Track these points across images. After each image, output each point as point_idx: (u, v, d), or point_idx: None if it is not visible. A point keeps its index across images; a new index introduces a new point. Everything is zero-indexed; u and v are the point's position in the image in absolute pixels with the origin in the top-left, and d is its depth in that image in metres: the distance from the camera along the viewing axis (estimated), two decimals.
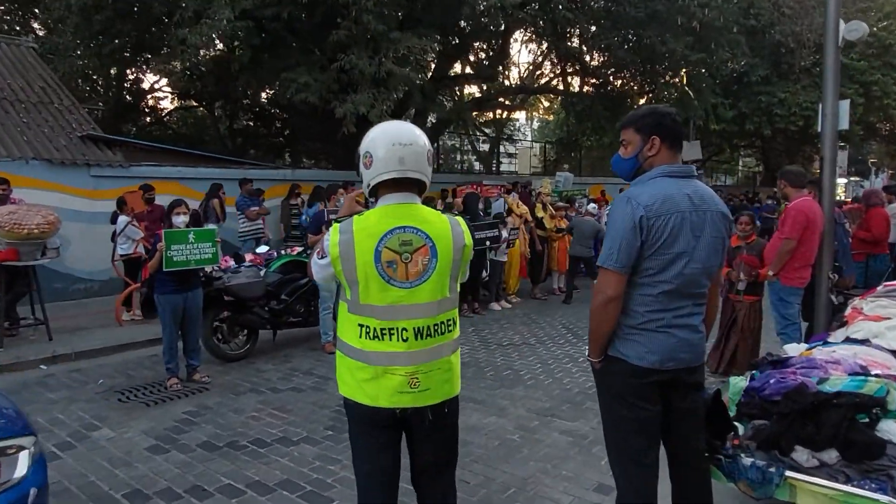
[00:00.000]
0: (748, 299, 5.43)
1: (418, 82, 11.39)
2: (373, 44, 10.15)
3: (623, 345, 2.23)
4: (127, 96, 18.86)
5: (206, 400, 5.16)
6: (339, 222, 2.16)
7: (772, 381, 2.55)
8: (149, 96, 20.05)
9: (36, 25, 16.17)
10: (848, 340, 3.28)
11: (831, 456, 2.31)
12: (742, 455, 2.35)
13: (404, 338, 2.09)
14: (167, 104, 21.34)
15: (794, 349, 3.49)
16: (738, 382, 2.87)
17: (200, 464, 3.93)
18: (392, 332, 2.09)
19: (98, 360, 6.43)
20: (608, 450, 2.35)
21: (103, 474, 3.78)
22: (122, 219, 7.68)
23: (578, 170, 24.31)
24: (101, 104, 17.83)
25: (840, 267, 5.64)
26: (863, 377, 2.43)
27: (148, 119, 20.13)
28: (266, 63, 11.67)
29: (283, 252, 7.43)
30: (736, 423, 2.51)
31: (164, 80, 18.22)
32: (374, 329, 2.09)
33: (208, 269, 5.99)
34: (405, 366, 2.09)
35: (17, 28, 15.59)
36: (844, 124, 4.93)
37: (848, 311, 4.19)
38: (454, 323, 2.23)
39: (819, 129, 5.12)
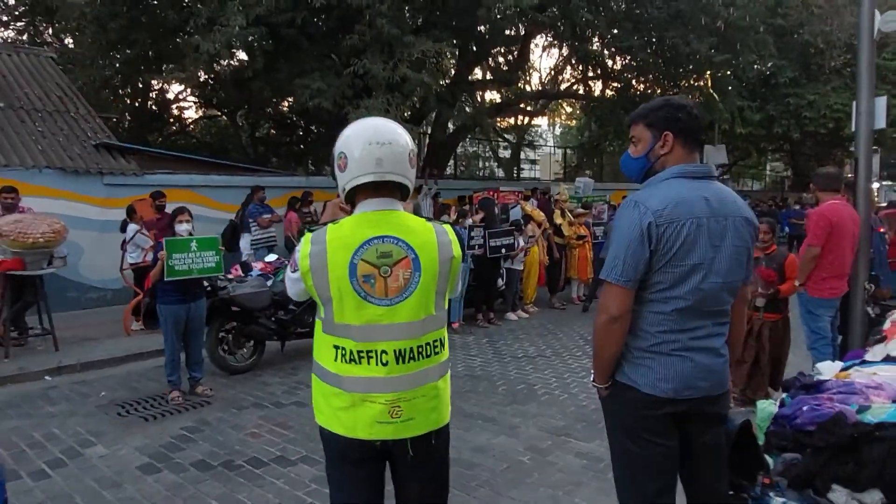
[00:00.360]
0: (769, 318, 4.79)
1: (434, 88, 11.20)
2: (387, 48, 10.00)
3: (633, 370, 1.96)
4: (152, 106, 19.07)
5: (207, 415, 4.98)
6: (312, 231, 1.93)
7: (805, 409, 2.25)
8: (173, 106, 20.22)
9: (49, 37, 16.35)
10: (889, 359, 2.96)
11: (874, 498, 2.01)
12: (772, 496, 2.06)
13: (384, 361, 1.86)
14: (191, 114, 21.57)
15: (827, 368, 3.17)
16: (767, 407, 2.58)
17: (192, 485, 3.74)
18: (370, 354, 1.86)
19: (104, 371, 6.32)
20: (617, 489, 2.08)
21: (90, 497, 3.60)
22: (132, 227, 7.60)
23: (600, 175, 23.92)
24: (126, 114, 18.09)
25: (877, 276, 5.27)
26: None
27: (173, 128, 20.27)
28: (281, 69, 11.60)
29: None
30: (766, 457, 2.22)
31: (188, 90, 18.42)
32: (351, 351, 1.86)
33: (213, 278, 5.85)
34: (385, 393, 1.86)
35: (37, 39, 15.78)
36: (881, 123, 4.57)
37: (887, 325, 3.84)
38: (441, 344, 1.99)
39: (853, 129, 4.77)
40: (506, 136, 26.47)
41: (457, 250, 1.99)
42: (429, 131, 17.74)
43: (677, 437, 1.97)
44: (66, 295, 8.75)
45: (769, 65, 18.47)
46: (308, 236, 1.91)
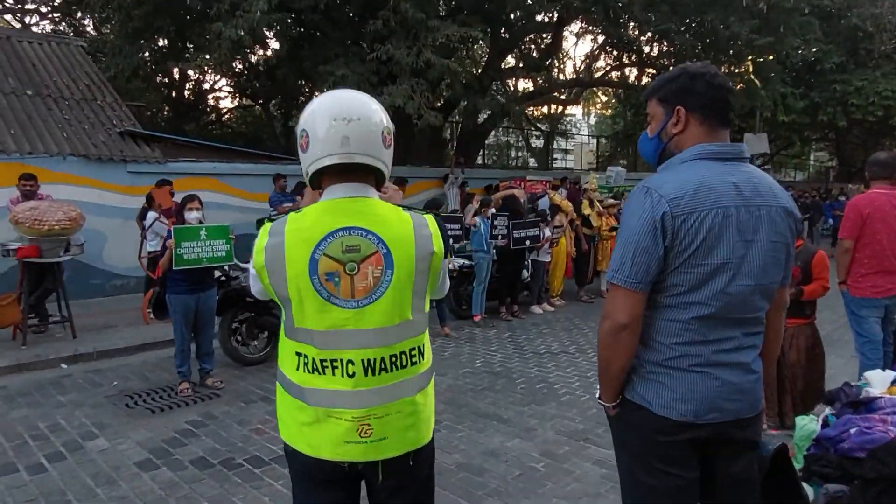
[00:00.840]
0: (792, 323, 4.02)
1: (461, 75, 10.90)
2: (412, 33, 9.74)
3: (645, 387, 1.68)
4: (189, 96, 19.23)
5: (214, 408, 4.84)
6: (272, 220, 1.68)
7: (853, 431, 1.94)
8: (210, 96, 20.38)
9: (82, 27, 16.52)
10: None
11: None
12: None
13: (350, 372, 1.61)
14: (227, 104, 21.75)
15: (877, 379, 2.83)
16: (808, 425, 2.27)
17: (187, 484, 3.58)
18: (335, 364, 1.61)
19: (119, 360, 6.26)
20: None
21: (83, 493, 3.48)
22: (151, 214, 7.53)
23: (634, 165, 23.30)
24: (165, 104, 18.26)
25: None
26: None
27: (210, 118, 20.44)
28: (306, 56, 11.44)
29: None
30: (805, 486, 1.92)
31: (224, 80, 18.59)
32: (313, 360, 1.62)
33: (226, 267, 5.72)
34: (352, 408, 1.62)
35: (70, 30, 15.96)
36: None
37: None
38: (421, 353, 1.72)
39: None
40: (539, 125, 25.97)
41: (438, 245, 1.71)
42: (459, 120, 17.48)
43: (698, 468, 1.69)
44: (91, 282, 8.78)
45: (814, 50, 17.62)
46: (266, 227, 1.66)
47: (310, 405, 1.63)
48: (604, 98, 26.78)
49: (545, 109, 26.05)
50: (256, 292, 1.75)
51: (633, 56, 16.71)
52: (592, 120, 34.60)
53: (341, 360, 1.61)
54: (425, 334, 1.75)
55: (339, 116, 1.59)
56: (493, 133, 22.46)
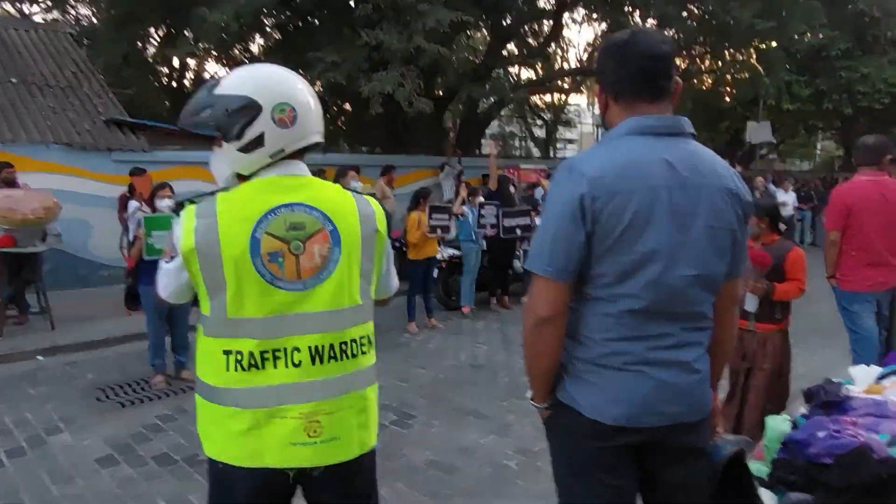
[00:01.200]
0: (763, 329, 3.51)
1: (455, 62, 10.69)
2: (403, 18, 9.53)
3: (575, 387, 1.52)
4: (190, 86, 19.10)
5: (185, 402, 4.71)
6: (195, 202, 1.51)
7: (821, 435, 1.78)
8: None
9: (71, 15, 16.32)
10: None
11: None
12: None
13: (296, 361, 1.46)
14: None
15: (862, 375, 2.67)
16: (779, 425, 2.11)
17: (145, 481, 3.46)
18: (277, 355, 1.46)
19: (98, 352, 6.13)
20: None
21: (38, 491, 3.36)
22: (133, 204, 7.37)
23: None
24: (161, 93, 18.14)
25: None
26: None
27: None
28: (300, 44, 11.24)
29: None
30: (768, 494, 1.76)
31: (224, 69, 18.49)
32: (251, 354, 1.45)
33: None
34: (298, 403, 1.46)
35: (62, 17, 15.78)
36: None
37: None
38: (370, 343, 1.59)
39: None
40: (541, 114, 25.70)
41: (382, 225, 1.61)
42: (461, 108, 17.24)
43: (636, 475, 1.54)
44: (77, 273, 8.65)
45: (820, 36, 17.28)
46: (191, 209, 1.48)
47: (247, 408, 1.45)
48: None
49: (548, 98, 25.78)
50: (171, 292, 1.55)
51: None
52: (597, 109, 34.34)
53: (285, 349, 1.45)
54: (371, 323, 1.61)
55: (309, 92, 1.55)
56: (496, 122, 22.24)
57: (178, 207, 1.55)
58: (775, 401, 3.49)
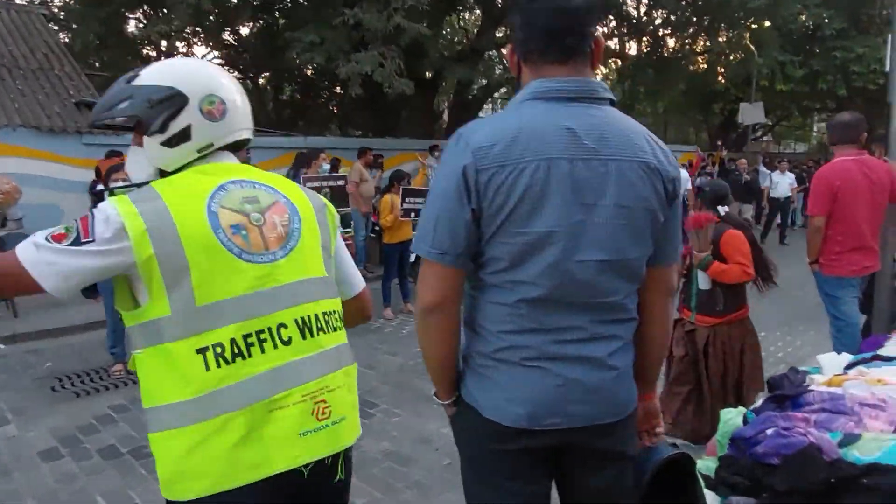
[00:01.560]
0: (703, 322, 3.27)
1: (439, 43, 10.43)
2: None
3: (475, 384, 1.36)
4: None
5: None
6: (115, 193, 1.31)
7: (769, 433, 1.62)
8: None
9: None
10: None
11: None
12: None
13: (285, 339, 1.28)
14: None
15: (829, 364, 2.50)
16: (733, 419, 1.94)
17: (86, 476, 3.30)
18: (263, 336, 1.26)
19: (61, 340, 5.97)
20: None
21: None
22: (100, 188, 7.18)
23: None
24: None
25: None
26: None
27: None
28: (285, 25, 10.97)
29: None
30: (712, 496, 1.59)
31: (214, 53, 18.25)
32: (234, 343, 1.23)
33: None
34: (299, 384, 1.27)
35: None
36: None
37: None
38: (341, 321, 1.43)
39: (888, 68, 3.94)
40: None
41: (329, 203, 1.53)
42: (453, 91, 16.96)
43: (547, 481, 1.38)
44: None
45: (814, 16, 17.01)
46: (122, 197, 1.26)
47: (241, 408, 1.22)
48: (605, 70, 26.24)
49: None
50: (65, 286, 1.22)
51: (626, 26, 16.12)
52: None
53: (270, 329, 1.27)
54: (339, 301, 1.45)
55: (237, 87, 1.43)
56: (489, 106, 21.94)
57: (98, 199, 1.41)
58: (741, 400, 3.20)
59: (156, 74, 1.36)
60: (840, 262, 3.86)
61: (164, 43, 16.39)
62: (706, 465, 1.87)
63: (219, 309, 1.24)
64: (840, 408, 1.67)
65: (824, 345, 5.05)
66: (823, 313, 4.18)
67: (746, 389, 3.24)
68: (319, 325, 1.33)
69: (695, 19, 14.39)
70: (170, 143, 1.33)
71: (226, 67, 19.54)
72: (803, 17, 17.54)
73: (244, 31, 15.10)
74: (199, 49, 18.80)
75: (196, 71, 1.39)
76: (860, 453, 1.47)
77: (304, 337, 1.30)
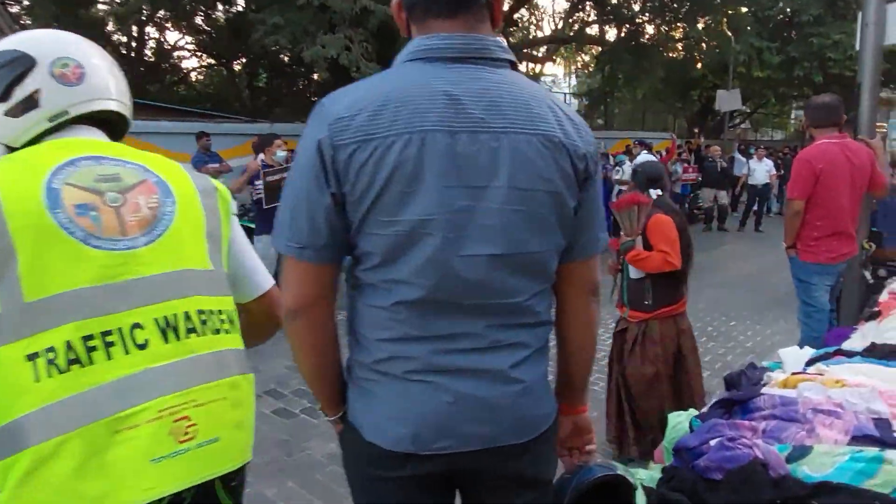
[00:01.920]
0: (635, 317, 3.03)
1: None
2: None
3: (356, 399, 1.16)
4: (150, 55, 18.27)
5: None
6: None
7: (713, 444, 1.44)
8: (175, 55, 19.44)
9: None
10: (873, 351, 2.12)
11: None
12: None
13: (140, 342, 1.04)
14: (192, 63, 21.06)
15: (791, 359, 2.34)
16: (681, 423, 1.77)
17: None
18: (110, 339, 1.02)
19: None
20: None
21: None
22: None
23: (612, 124, 22.82)
24: (122, 64, 17.29)
25: (879, 233, 4.33)
26: (876, 453, 1.30)
27: (173, 79, 19.56)
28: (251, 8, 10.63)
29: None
30: None
31: (186, 39, 17.89)
32: (70, 346, 0.99)
33: None
34: (155, 398, 1.03)
35: None
36: (893, 37, 3.59)
37: (884, 296, 2.98)
38: (232, 323, 1.18)
39: (857, 47, 3.79)
40: None
41: (221, 186, 1.29)
42: None
43: None
44: None
45: (792, 1, 16.98)
46: None
47: (76, 428, 0.97)
48: (586, 57, 26.14)
49: (523, 68, 25.30)
50: None
51: (606, 10, 15.95)
52: (574, 81, 33.86)
53: (120, 330, 1.02)
54: (232, 301, 1.21)
55: (104, 56, 1.26)
56: None
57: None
58: (678, 404, 2.89)
59: (3, 43, 1.18)
60: (818, 248, 3.73)
61: (134, 29, 15.97)
62: (649, 475, 1.69)
63: (53, 305, 1.00)
64: (791, 415, 1.50)
65: (794, 334, 4.93)
66: (795, 301, 4.05)
67: (687, 398, 2.97)
68: (191, 326, 1.09)
69: (675, 5, 14.28)
70: (14, 112, 1.13)
71: (199, 53, 19.25)
72: (781, 3, 17.49)
73: (219, 14, 14.72)
74: (172, 35, 18.41)
75: (49, 35, 1.22)
76: (810, 469, 1.30)
77: (166, 339, 1.06)
